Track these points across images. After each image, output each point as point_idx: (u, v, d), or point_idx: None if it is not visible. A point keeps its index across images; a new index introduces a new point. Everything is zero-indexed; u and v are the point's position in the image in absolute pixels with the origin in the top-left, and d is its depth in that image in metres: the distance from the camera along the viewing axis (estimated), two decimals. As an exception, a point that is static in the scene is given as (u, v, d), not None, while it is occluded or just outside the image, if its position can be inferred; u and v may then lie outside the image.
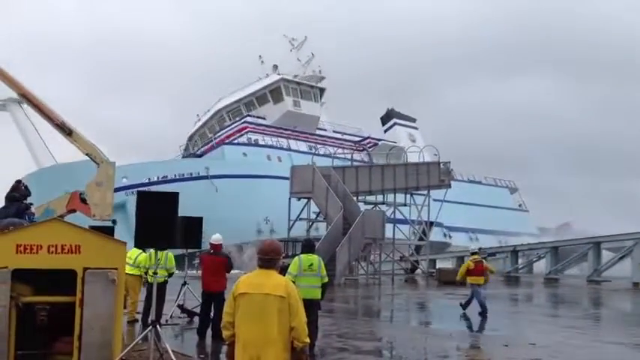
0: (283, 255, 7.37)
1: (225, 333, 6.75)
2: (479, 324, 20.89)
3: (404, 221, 46.02)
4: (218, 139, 57.81)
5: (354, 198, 40.10)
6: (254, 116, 59.86)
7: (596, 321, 24.66)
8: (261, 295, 6.55)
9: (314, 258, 13.62)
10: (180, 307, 18.34)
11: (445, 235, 64.64)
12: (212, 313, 15.04)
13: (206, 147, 58.35)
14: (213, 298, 14.95)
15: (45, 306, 10.45)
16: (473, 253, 24.17)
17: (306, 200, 40.82)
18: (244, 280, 6.82)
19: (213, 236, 15.46)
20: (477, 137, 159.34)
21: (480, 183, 76.60)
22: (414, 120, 77.99)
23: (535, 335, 17.62)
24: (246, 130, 58.06)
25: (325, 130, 65.66)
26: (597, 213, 78.17)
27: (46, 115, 15.00)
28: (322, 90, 64.91)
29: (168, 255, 16.76)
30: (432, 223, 48.91)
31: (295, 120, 61.11)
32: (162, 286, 16.23)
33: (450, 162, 49.30)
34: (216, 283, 14.88)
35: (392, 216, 44.07)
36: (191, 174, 49.83)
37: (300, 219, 41.76)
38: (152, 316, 11.20)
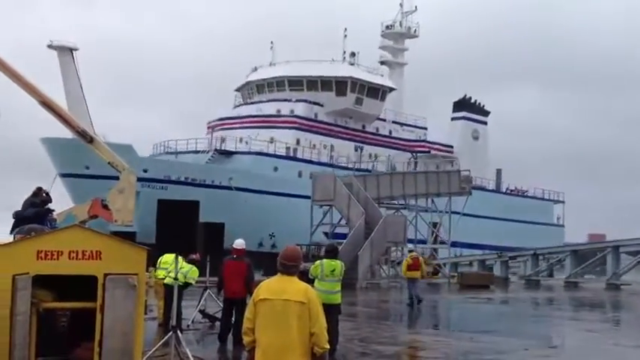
0: (302, 260, 7.16)
1: (245, 339, 6.56)
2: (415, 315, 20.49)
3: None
4: (267, 119, 55.68)
5: (376, 204, 39.80)
6: (309, 101, 56.80)
7: (616, 324, 24.19)
8: (281, 301, 6.36)
9: (337, 264, 13.45)
10: (202, 312, 18.12)
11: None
12: (233, 319, 14.78)
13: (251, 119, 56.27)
14: (235, 303, 14.68)
15: (65, 312, 10.30)
16: (410, 251, 27.63)
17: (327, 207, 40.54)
18: (264, 285, 6.64)
19: (236, 241, 15.15)
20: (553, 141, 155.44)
21: (519, 195, 71.79)
22: (486, 113, 73.29)
23: (555, 338, 17.29)
24: (293, 125, 56.00)
25: (384, 120, 62.56)
26: (631, 224, 75.99)
27: (67, 123, 14.93)
28: (391, 89, 61.61)
29: (193, 268, 16.44)
30: (435, 224, 48.01)
31: (352, 115, 58.79)
32: (178, 292, 15.94)
33: (469, 170, 48.74)
34: (237, 289, 14.57)
35: (413, 221, 43.73)
36: (213, 181, 48.28)
37: (323, 224, 41.49)
38: (173, 322, 10.97)
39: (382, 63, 67.27)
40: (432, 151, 65.49)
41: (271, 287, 6.53)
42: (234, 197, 47.19)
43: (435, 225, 47.47)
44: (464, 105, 71.10)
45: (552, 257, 47.63)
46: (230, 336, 14.70)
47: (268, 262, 28.49)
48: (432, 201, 46.23)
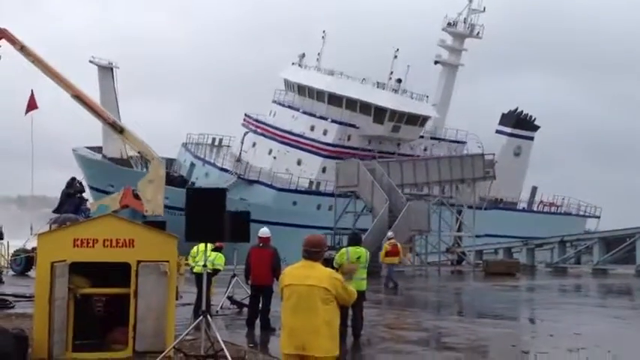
0: (327, 247, 7.61)
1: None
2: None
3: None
4: (298, 139, 55.93)
5: (399, 191, 40.03)
6: (345, 123, 56.16)
7: (643, 311, 24.36)
8: (306, 286, 6.80)
9: (361, 251, 13.91)
10: (230, 298, 18.68)
11: None
12: (260, 305, 15.29)
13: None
14: (262, 290, 15.18)
15: (101, 297, 10.87)
16: (389, 239, 28.81)
17: (350, 195, 40.95)
18: (289, 271, 7.09)
19: (261, 230, 15.71)
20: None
21: (551, 212, 69.31)
22: (535, 128, 69.43)
23: (581, 325, 17.53)
24: (322, 152, 55.67)
25: (422, 136, 60.70)
26: None
27: (99, 115, 15.44)
28: (431, 117, 60.51)
29: (218, 255, 17.07)
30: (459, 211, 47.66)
31: (386, 139, 57.87)
32: (208, 279, 16.58)
33: (494, 154, 48.52)
34: (264, 276, 15.03)
35: (438, 210, 43.87)
36: (229, 208, 48.24)
37: (347, 212, 41.84)
38: (203, 307, 11.47)
39: (436, 62, 65.26)
40: None
41: (295, 273, 6.98)
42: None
43: (459, 213, 47.55)
44: (512, 119, 67.98)
45: (580, 244, 47.53)
46: (257, 321, 15.22)
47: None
48: (457, 188, 46.33)
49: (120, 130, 14.73)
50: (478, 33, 65.07)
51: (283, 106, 59.97)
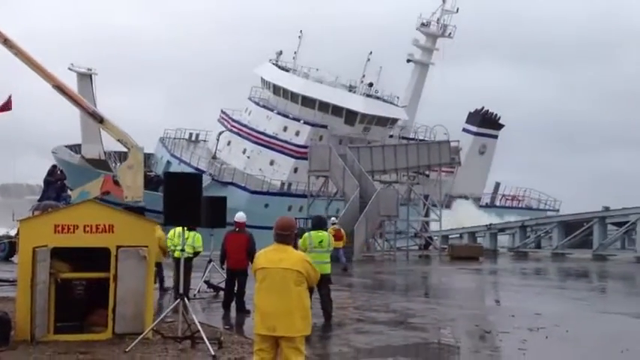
0: (296, 230, 7.73)
1: None
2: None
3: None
4: (272, 141, 56.47)
5: (370, 177, 40.24)
6: (317, 125, 56.62)
7: (602, 293, 24.79)
8: (280, 269, 6.90)
9: (324, 235, 13.89)
10: (207, 282, 18.70)
11: None
12: (236, 288, 15.34)
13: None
14: (237, 274, 15.22)
15: (81, 281, 10.85)
16: (333, 224, 29.19)
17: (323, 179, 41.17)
18: (262, 254, 7.17)
19: (237, 214, 15.70)
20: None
21: (513, 207, 70.53)
22: (500, 127, 71.05)
23: (541, 306, 17.80)
24: (294, 154, 55.79)
25: (391, 136, 60.97)
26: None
27: (79, 105, 15.34)
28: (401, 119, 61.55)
29: (196, 235, 17.08)
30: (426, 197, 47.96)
31: (356, 140, 57.31)
32: (187, 263, 16.64)
33: (459, 141, 48.90)
34: (240, 260, 15.00)
35: (405, 195, 44.21)
36: None
37: (319, 197, 42.02)
38: (181, 290, 11.51)
39: (409, 61, 66.28)
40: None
41: (269, 257, 7.06)
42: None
43: (426, 197, 47.91)
44: (478, 118, 69.30)
45: (540, 229, 48.13)
46: (233, 304, 15.28)
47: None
48: (424, 173, 46.67)
49: (100, 120, 14.66)
50: (450, 33, 65.75)
51: (258, 105, 60.42)
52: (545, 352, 11.97)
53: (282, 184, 55.15)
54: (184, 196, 10.83)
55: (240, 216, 15.61)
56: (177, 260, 16.12)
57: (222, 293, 17.25)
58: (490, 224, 48.81)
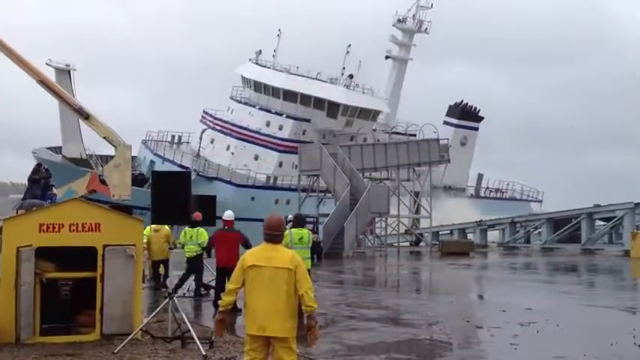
0: (285, 228, 7.53)
1: (225, 299, 6.90)
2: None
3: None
4: (255, 135, 56.32)
5: (360, 175, 40.05)
6: (300, 118, 56.73)
7: (590, 287, 24.66)
8: (271, 268, 6.66)
9: (304, 232, 14.13)
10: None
11: None
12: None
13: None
14: (228, 272, 14.97)
15: (68, 281, 10.54)
16: (288, 221, 28.64)
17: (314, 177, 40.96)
18: (252, 253, 6.96)
19: (225, 213, 15.51)
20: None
21: (497, 198, 71.44)
22: (480, 119, 71.84)
23: (531, 301, 17.64)
24: (278, 148, 56.21)
25: (374, 129, 61.07)
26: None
27: (64, 101, 15.00)
28: (383, 111, 62.13)
29: (199, 230, 16.86)
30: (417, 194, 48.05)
31: (340, 134, 58.25)
32: (196, 260, 17.07)
33: (448, 139, 48.83)
34: (229, 258, 14.87)
35: (396, 191, 44.00)
36: None
37: (310, 195, 41.79)
38: (169, 289, 11.22)
39: (387, 57, 66.51)
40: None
41: (259, 255, 6.82)
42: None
43: (417, 195, 47.73)
44: (458, 111, 70.07)
45: (529, 225, 48.09)
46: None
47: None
48: (414, 171, 46.49)
49: (86, 117, 14.32)
50: (426, 29, 66.25)
51: (240, 102, 60.38)
52: (536, 347, 11.78)
53: (268, 177, 55.06)
54: (173, 195, 10.57)
55: (228, 214, 15.44)
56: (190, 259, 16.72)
57: (212, 291, 17.08)
58: (480, 220, 48.68)
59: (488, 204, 67.04)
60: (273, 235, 6.86)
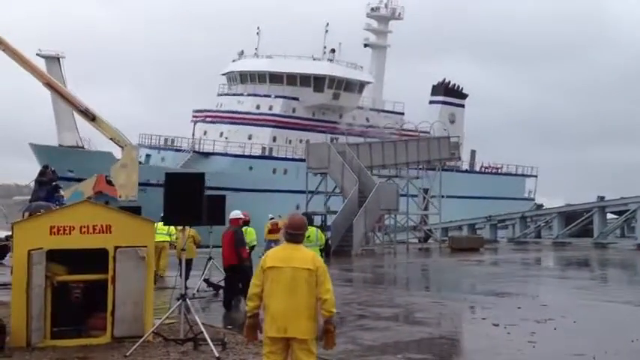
0: (307, 229, 7.37)
1: (250, 304, 6.75)
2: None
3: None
4: (246, 117, 57.15)
5: (369, 172, 39.94)
6: (288, 97, 58.09)
7: (604, 282, 24.55)
8: (291, 268, 6.55)
9: (312, 230, 14.49)
10: (206, 281, 18.38)
11: None
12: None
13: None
14: (232, 270, 15.09)
15: (79, 284, 10.48)
16: (271, 218, 29.83)
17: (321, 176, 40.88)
18: (272, 253, 6.86)
19: (232, 212, 15.54)
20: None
21: (492, 173, 72.68)
22: (464, 96, 73.43)
23: (546, 296, 17.57)
24: (270, 123, 57.12)
25: (362, 108, 63.34)
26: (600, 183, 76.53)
27: (70, 103, 14.99)
28: (368, 82, 63.15)
29: (248, 230, 16.99)
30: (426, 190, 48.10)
31: (329, 108, 59.87)
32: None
33: (458, 136, 48.70)
34: (229, 257, 15.02)
35: (405, 189, 43.87)
36: None
37: (318, 192, 41.69)
38: (182, 291, 11.13)
39: (366, 45, 68.30)
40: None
41: (279, 255, 6.72)
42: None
43: (425, 191, 47.60)
44: (442, 89, 71.44)
45: (540, 219, 47.91)
46: (239, 302, 15.03)
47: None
48: (423, 167, 46.33)
49: (92, 118, 14.29)
50: (399, 14, 68.61)
51: (228, 95, 61.56)
52: (555, 344, 11.67)
53: (263, 149, 55.80)
54: (186, 196, 10.50)
55: (234, 213, 15.54)
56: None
57: (222, 292, 17.08)
58: (490, 215, 48.55)
59: (484, 179, 69.08)
60: (295, 234, 6.76)
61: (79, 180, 41.98)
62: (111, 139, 15.15)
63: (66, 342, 10.10)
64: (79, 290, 10.34)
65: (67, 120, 48.60)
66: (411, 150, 43.84)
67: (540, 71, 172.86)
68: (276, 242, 29.88)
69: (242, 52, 62.10)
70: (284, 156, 55.16)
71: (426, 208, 48.30)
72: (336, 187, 40.29)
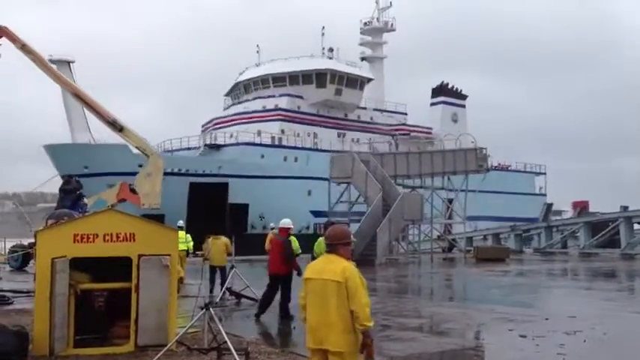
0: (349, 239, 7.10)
1: (301, 316, 6.81)
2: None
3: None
4: (253, 115, 58.30)
5: (393, 182, 39.75)
6: (292, 95, 59.18)
7: (632, 293, 24.07)
8: (321, 280, 6.48)
9: None
10: (229, 289, 18.27)
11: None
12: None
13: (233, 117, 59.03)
14: (275, 280, 14.97)
15: (102, 292, 10.38)
16: (272, 228, 30.32)
17: (345, 185, 40.82)
18: (311, 265, 6.84)
19: (281, 221, 15.48)
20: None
21: (503, 169, 72.96)
22: (464, 97, 74.34)
23: (574, 308, 17.20)
24: (277, 117, 57.96)
25: (365, 108, 64.42)
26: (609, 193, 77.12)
27: (98, 113, 14.95)
28: (369, 79, 63.99)
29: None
30: (450, 201, 47.87)
31: (332, 105, 60.78)
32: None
33: (486, 148, 48.39)
34: (275, 266, 14.91)
35: (429, 199, 43.60)
36: (204, 170, 49.01)
37: (341, 201, 41.59)
38: (205, 300, 11.00)
39: (362, 59, 70.18)
40: (412, 134, 66.90)
41: (315, 267, 6.70)
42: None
43: (450, 201, 47.29)
44: (442, 91, 72.25)
45: (566, 229, 47.35)
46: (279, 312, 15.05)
47: (258, 241, 29.06)
48: (448, 178, 46.05)
49: (120, 129, 14.26)
50: (392, 25, 70.94)
51: (234, 104, 63.28)
52: (585, 357, 11.36)
53: (273, 138, 56.38)
54: (210, 205, 10.41)
55: (283, 222, 15.44)
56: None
57: (244, 301, 17.19)
58: (514, 224, 48.13)
59: (494, 176, 68.32)
60: (329, 244, 6.69)
61: (91, 175, 42.62)
62: (137, 147, 15.09)
63: (89, 350, 9.99)
64: (102, 298, 10.25)
65: (80, 120, 48.79)
66: (437, 161, 43.61)
67: (537, 79, 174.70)
68: None
69: (244, 70, 64.28)
70: (293, 144, 56.07)
71: (449, 218, 47.95)
72: (359, 196, 40.19)
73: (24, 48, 15.36)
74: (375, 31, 70.88)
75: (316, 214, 50.87)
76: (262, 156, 53.80)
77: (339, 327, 6.35)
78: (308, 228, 50.09)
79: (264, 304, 15.22)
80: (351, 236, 6.84)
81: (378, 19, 70.80)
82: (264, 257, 18.88)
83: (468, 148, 48.01)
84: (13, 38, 16.00)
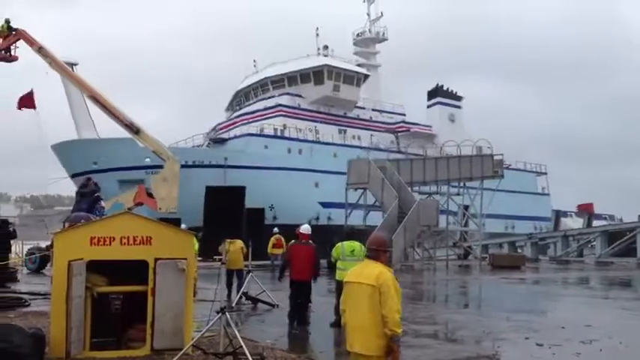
0: (388, 247, 7.12)
1: (342, 321, 6.89)
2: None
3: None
4: (255, 115, 58.64)
5: (409, 188, 39.63)
6: (292, 94, 59.49)
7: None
8: (357, 284, 6.60)
9: (356, 245, 14.21)
10: (245, 294, 18.26)
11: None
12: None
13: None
14: (300, 286, 14.85)
15: (118, 295, 10.37)
16: (273, 234, 31.71)
17: (362, 191, 40.72)
18: (352, 269, 6.99)
19: (302, 226, 15.37)
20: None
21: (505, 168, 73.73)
22: (459, 99, 74.26)
23: (590, 317, 17.02)
24: (278, 113, 58.17)
25: (363, 107, 64.62)
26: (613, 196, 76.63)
27: (115, 116, 14.99)
28: (366, 76, 64.06)
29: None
30: (466, 207, 47.55)
31: (332, 103, 60.82)
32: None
33: (502, 154, 47.99)
34: (303, 272, 14.75)
35: (445, 205, 43.41)
36: (210, 162, 49.87)
37: (357, 207, 41.48)
38: (221, 304, 10.96)
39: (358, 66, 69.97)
40: (412, 130, 66.77)
41: (355, 271, 6.83)
42: (230, 175, 48.01)
43: (466, 208, 47.03)
44: (437, 93, 72.30)
45: (582, 238, 46.98)
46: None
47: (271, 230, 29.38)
48: (464, 184, 45.81)
49: (136, 131, 14.27)
50: (384, 34, 71.73)
51: (236, 110, 63.84)
52: (602, 366, 11.22)
53: (275, 129, 56.52)
54: (227, 209, 10.35)
55: (305, 228, 15.31)
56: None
57: (260, 305, 17.22)
58: (531, 233, 47.83)
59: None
60: (371, 249, 6.81)
61: (101, 171, 42.72)
62: (154, 151, 15.10)
63: (105, 353, 9.98)
64: (118, 302, 10.24)
65: (84, 118, 48.78)
66: (453, 167, 43.42)
67: (537, 82, 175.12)
68: (277, 256, 30.81)
69: (243, 81, 64.72)
70: (295, 136, 56.36)
71: (465, 225, 47.69)
72: (375, 201, 40.11)
73: (41, 51, 15.44)
74: (367, 42, 71.46)
75: (325, 205, 51.04)
76: (266, 146, 54.15)
77: (372, 331, 6.40)
78: (317, 219, 49.73)
79: (296, 312, 15.11)
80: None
81: (370, 30, 71.49)
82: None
83: (485, 154, 47.70)
84: (31, 41, 16.08)
